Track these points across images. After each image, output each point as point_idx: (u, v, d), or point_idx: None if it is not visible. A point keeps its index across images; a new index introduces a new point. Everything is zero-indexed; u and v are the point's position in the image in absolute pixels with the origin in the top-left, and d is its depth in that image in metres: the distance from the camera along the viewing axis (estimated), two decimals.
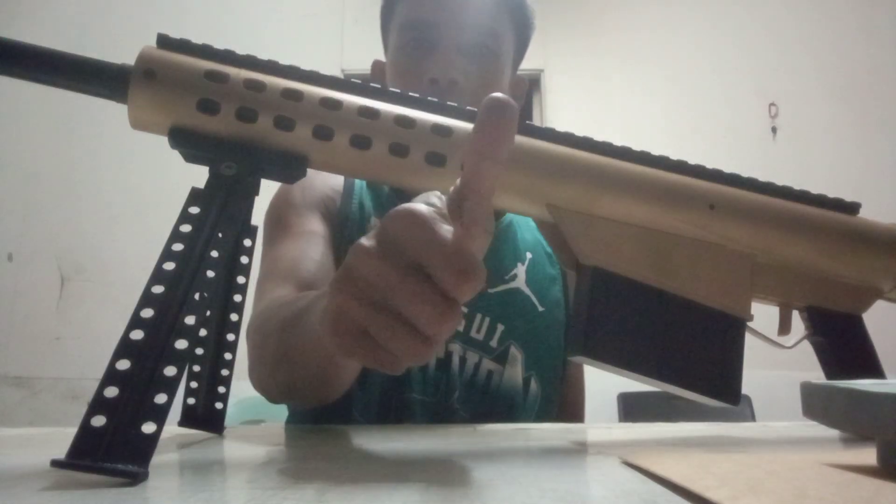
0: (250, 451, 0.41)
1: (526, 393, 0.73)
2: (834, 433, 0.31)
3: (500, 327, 0.72)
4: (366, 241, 0.30)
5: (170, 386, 0.32)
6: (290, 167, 0.38)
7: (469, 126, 0.38)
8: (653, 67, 2.88)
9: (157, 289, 0.36)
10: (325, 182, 0.76)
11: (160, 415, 0.31)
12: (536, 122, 3.00)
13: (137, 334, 0.34)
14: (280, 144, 0.37)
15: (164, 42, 0.38)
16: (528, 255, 0.78)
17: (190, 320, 0.34)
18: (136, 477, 0.28)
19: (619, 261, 0.39)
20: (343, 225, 0.73)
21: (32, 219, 2.84)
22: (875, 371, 0.45)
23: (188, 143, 0.37)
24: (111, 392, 0.32)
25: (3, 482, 0.30)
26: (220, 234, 0.35)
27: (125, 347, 0.34)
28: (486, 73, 0.71)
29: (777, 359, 3.11)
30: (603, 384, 2.95)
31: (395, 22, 0.74)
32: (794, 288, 0.44)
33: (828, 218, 0.44)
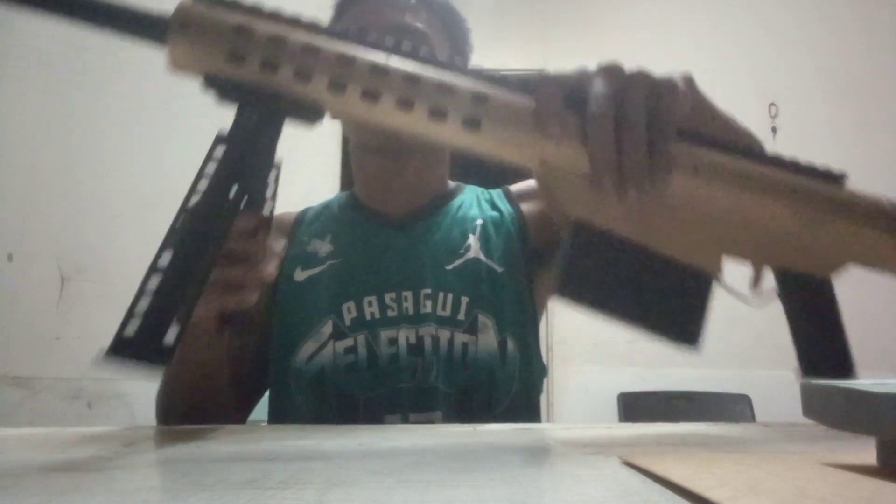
0: (250, 451, 0.41)
1: (503, 355, 0.74)
2: (834, 433, 0.31)
3: (465, 299, 0.74)
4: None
5: (190, 303, 0.39)
6: (307, 114, 0.42)
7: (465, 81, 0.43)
8: (653, 67, 2.87)
9: (184, 221, 0.40)
10: (278, 227, 0.77)
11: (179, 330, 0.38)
12: None
13: (165, 259, 0.38)
14: (298, 94, 0.41)
15: None
16: (478, 223, 0.81)
17: (209, 249, 0.39)
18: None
19: (599, 216, 0.42)
20: (283, 263, 0.78)
21: (32, 219, 2.83)
22: (837, 333, 0.47)
23: (218, 87, 0.41)
24: (143, 305, 0.37)
25: (3, 482, 0.30)
26: (243, 173, 0.40)
27: (154, 269, 0.38)
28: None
29: (777, 359, 3.10)
30: (603, 384, 2.96)
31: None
32: (767, 249, 0.46)
33: (806, 186, 0.46)
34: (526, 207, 0.83)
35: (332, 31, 0.43)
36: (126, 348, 0.36)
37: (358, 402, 0.71)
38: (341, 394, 0.71)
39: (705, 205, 0.44)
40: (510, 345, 0.75)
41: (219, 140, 0.42)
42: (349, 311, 0.73)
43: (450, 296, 0.74)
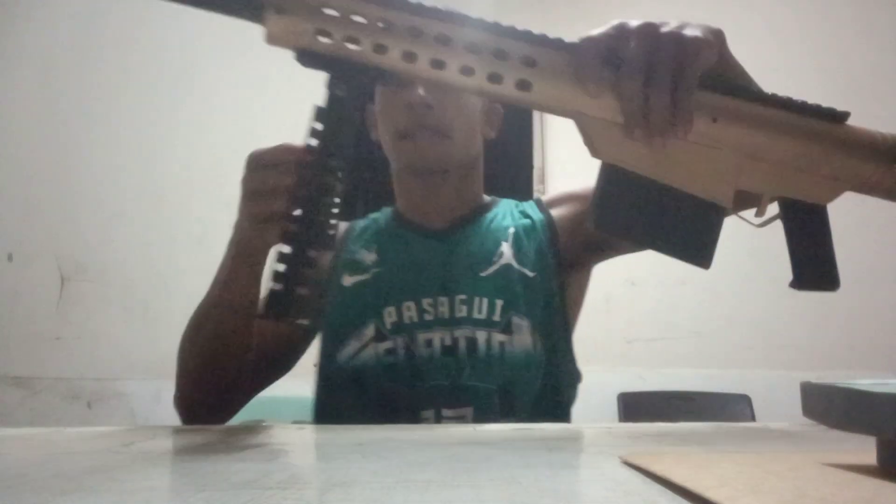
0: (250, 452, 0.41)
1: (536, 352, 0.81)
2: (834, 433, 0.31)
3: (500, 302, 0.80)
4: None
5: (313, 264, 0.48)
6: (385, 82, 0.50)
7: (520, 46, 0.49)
8: None
9: (301, 191, 0.49)
10: None
11: (311, 283, 0.47)
12: (536, 120, 3.00)
13: (293, 227, 0.49)
14: (377, 64, 0.48)
15: None
16: (511, 231, 0.87)
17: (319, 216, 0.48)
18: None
19: (627, 158, 0.49)
20: (333, 269, 0.85)
21: (32, 219, 2.83)
22: (828, 251, 0.53)
23: (311, 61, 0.48)
24: (279, 268, 0.47)
25: (4, 482, 0.30)
26: (340, 143, 0.49)
27: (285, 236, 0.49)
28: (456, 99, 0.82)
29: (777, 359, 3.09)
30: (603, 384, 2.96)
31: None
32: (772, 181, 0.51)
33: (810, 125, 0.52)
34: (556, 213, 0.89)
35: (403, 5, 0.48)
36: (277, 304, 0.46)
37: (397, 399, 0.76)
38: (382, 391, 0.77)
39: (723, 144, 0.50)
40: (539, 345, 0.81)
41: (318, 115, 0.49)
42: (390, 316, 0.80)
43: (485, 300, 0.80)
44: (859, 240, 2.86)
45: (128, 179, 2.83)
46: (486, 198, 0.93)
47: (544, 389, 0.80)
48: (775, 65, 2.96)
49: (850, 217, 3.11)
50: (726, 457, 0.36)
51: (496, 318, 0.79)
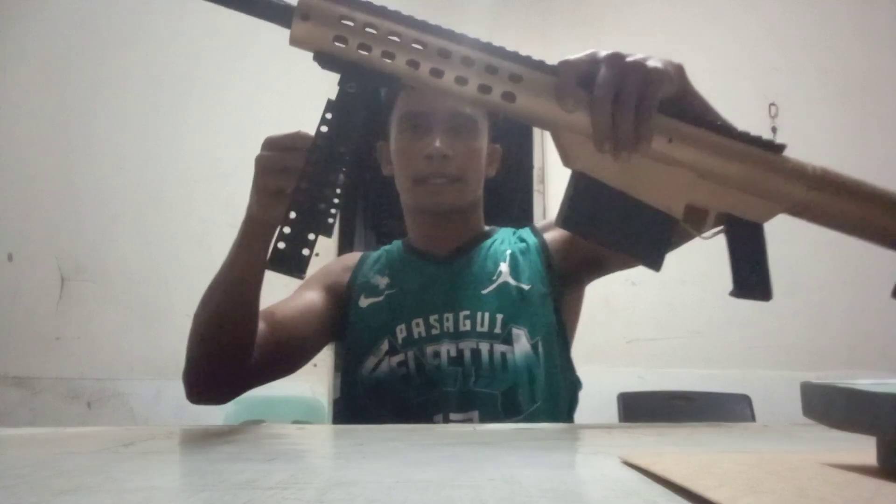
0: (251, 452, 0.41)
1: (537, 355, 0.89)
2: (834, 433, 0.31)
3: (500, 316, 0.88)
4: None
5: (316, 230, 0.55)
6: (391, 85, 0.56)
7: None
8: None
9: (309, 170, 0.55)
10: (342, 264, 0.99)
11: (311, 244, 0.54)
12: None
13: (296, 206, 0.55)
14: (386, 68, 0.54)
15: None
16: (508, 252, 0.96)
17: (325, 191, 0.55)
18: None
19: (595, 168, 0.56)
20: (350, 291, 0.94)
21: (32, 219, 2.83)
22: (763, 264, 0.60)
23: (327, 62, 0.54)
24: (286, 230, 0.54)
25: (4, 482, 0.30)
26: (346, 133, 0.55)
27: (293, 205, 0.55)
28: (468, 147, 0.91)
29: (777, 359, 3.09)
30: (603, 384, 2.95)
31: (395, 114, 0.93)
32: (718, 199, 0.58)
33: (751, 152, 0.58)
34: (549, 236, 0.98)
35: (411, 22, 0.54)
36: (280, 260, 0.53)
37: (411, 405, 0.84)
38: (398, 399, 0.85)
39: (676, 162, 0.57)
40: (538, 351, 0.89)
41: (329, 107, 0.55)
42: (401, 332, 0.88)
43: (486, 314, 0.89)
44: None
45: (128, 180, 2.83)
46: (487, 227, 1.03)
47: (545, 394, 0.87)
48: (775, 65, 2.96)
49: None
50: (726, 457, 0.36)
51: (497, 330, 0.88)
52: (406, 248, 1.00)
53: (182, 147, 2.85)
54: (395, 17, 0.54)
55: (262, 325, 0.80)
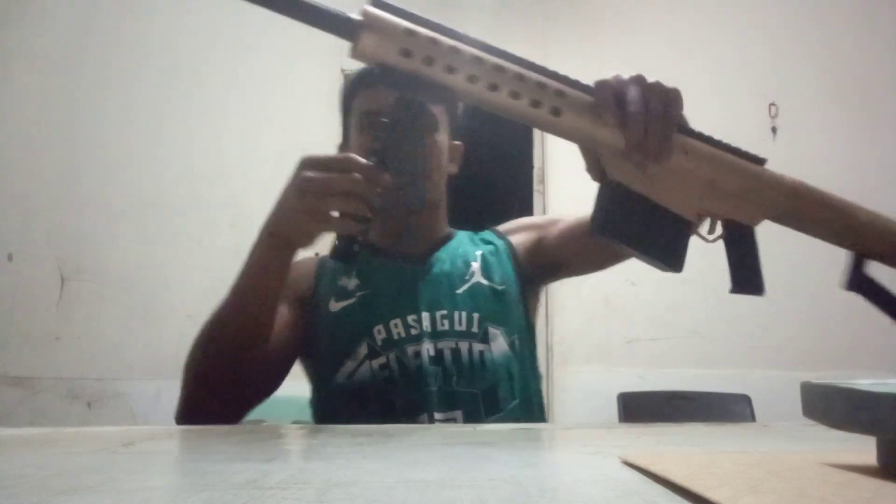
0: (250, 451, 0.41)
1: (514, 354, 0.91)
2: (834, 433, 0.31)
3: (476, 315, 0.90)
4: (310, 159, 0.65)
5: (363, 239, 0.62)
6: (448, 99, 0.58)
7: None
8: (653, 67, 2.87)
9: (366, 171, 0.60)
10: (298, 272, 0.92)
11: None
12: None
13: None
14: (447, 82, 0.55)
15: (378, 4, 0.54)
16: (479, 253, 0.97)
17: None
18: None
19: (625, 179, 0.60)
20: (316, 298, 0.91)
21: (32, 219, 2.83)
22: (755, 264, 0.66)
23: (391, 74, 0.55)
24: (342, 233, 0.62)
25: (4, 482, 0.30)
26: (404, 138, 0.58)
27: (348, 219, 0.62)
28: (428, 143, 0.91)
29: (777, 359, 3.09)
30: (603, 384, 2.95)
31: (354, 112, 0.94)
32: (721, 205, 0.64)
33: (743, 164, 0.64)
34: (515, 239, 1.01)
35: (471, 41, 0.57)
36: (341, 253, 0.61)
37: (395, 407, 0.84)
38: (382, 401, 0.84)
39: (690, 174, 0.63)
40: (514, 349, 0.90)
41: (387, 114, 0.58)
42: (380, 333, 0.87)
43: (463, 313, 0.89)
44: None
45: (128, 180, 2.83)
46: (447, 228, 1.04)
47: (522, 392, 0.89)
48: (775, 65, 2.96)
49: None
50: (726, 457, 0.36)
51: (475, 329, 0.89)
52: (374, 251, 0.97)
53: (182, 147, 2.85)
54: (454, 34, 0.57)
55: None
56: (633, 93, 0.60)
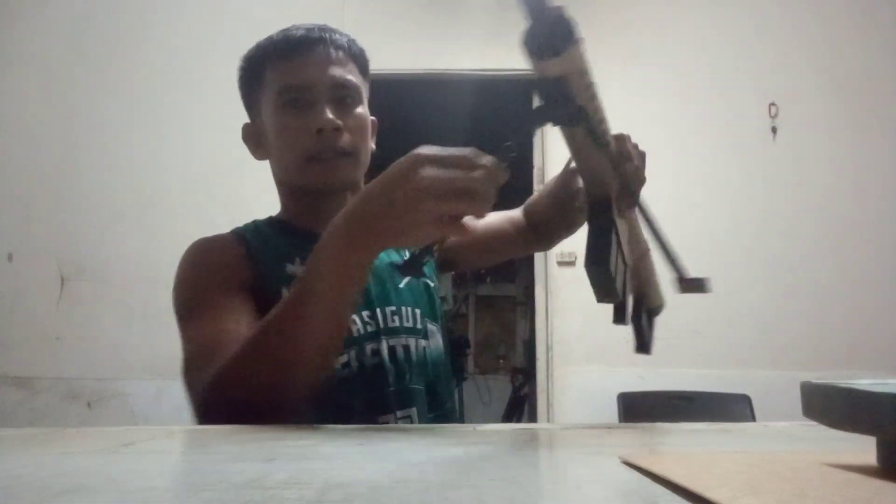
0: (250, 451, 0.41)
1: (445, 350, 0.91)
2: (834, 433, 0.31)
3: (418, 311, 0.88)
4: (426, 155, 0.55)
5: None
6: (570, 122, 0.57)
7: None
8: (653, 67, 2.88)
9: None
10: (231, 255, 0.84)
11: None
12: None
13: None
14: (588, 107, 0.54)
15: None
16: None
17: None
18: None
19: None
20: (264, 283, 0.81)
21: (32, 219, 2.84)
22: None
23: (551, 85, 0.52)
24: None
25: (4, 482, 0.30)
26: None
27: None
28: (357, 116, 0.86)
29: (777, 359, 3.09)
30: (603, 384, 2.95)
31: (269, 87, 0.86)
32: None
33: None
34: None
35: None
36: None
37: (353, 409, 0.79)
38: (340, 403, 0.78)
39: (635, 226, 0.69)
40: (444, 345, 0.91)
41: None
42: None
43: (409, 309, 0.87)
44: (859, 241, 2.86)
45: (128, 180, 2.84)
46: None
47: (452, 390, 0.91)
48: (775, 65, 2.96)
49: (850, 219, 3.13)
50: (726, 457, 0.36)
51: (419, 325, 0.87)
52: (293, 231, 0.88)
53: (182, 147, 2.85)
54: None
55: None
56: (634, 148, 0.69)
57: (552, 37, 0.49)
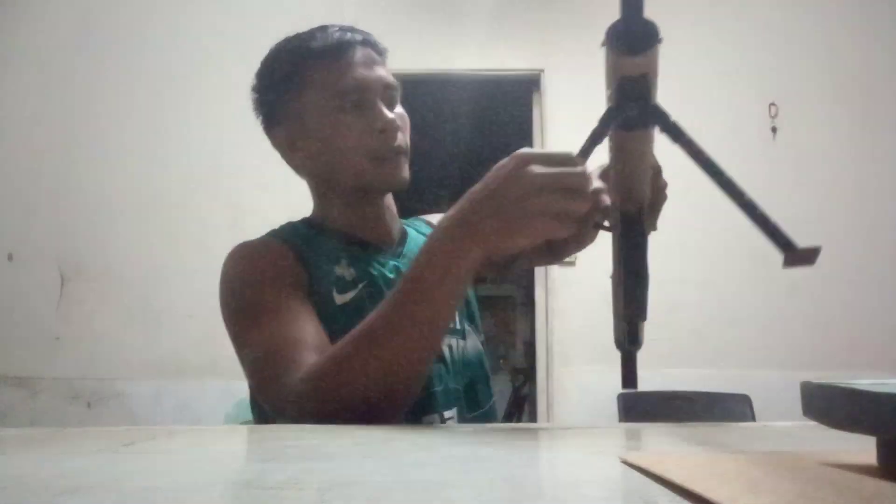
0: (250, 451, 0.41)
1: (484, 350, 0.92)
2: (834, 433, 0.31)
3: (455, 312, 0.85)
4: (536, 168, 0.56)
5: None
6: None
7: None
8: None
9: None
10: (284, 260, 0.82)
11: None
12: (536, 122, 2.99)
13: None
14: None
15: None
16: None
17: None
18: None
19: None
20: (317, 286, 0.81)
21: (32, 219, 2.84)
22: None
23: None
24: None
25: (4, 482, 0.30)
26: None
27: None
28: (402, 115, 0.86)
29: (777, 359, 3.08)
30: (603, 384, 2.95)
31: (317, 88, 0.84)
32: None
33: None
34: None
35: None
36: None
37: (420, 401, 0.79)
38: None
39: None
40: (484, 344, 0.92)
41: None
42: None
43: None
44: (859, 241, 2.86)
45: (128, 180, 2.84)
46: None
47: (491, 391, 0.91)
48: (775, 65, 2.96)
49: (850, 218, 3.13)
50: (726, 457, 0.36)
51: (458, 326, 0.88)
52: (335, 235, 0.88)
53: (182, 147, 2.85)
54: None
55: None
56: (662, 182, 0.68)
57: (641, 35, 0.48)
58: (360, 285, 0.82)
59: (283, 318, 0.74)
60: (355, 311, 0.79)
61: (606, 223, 0.66)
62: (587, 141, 0.54)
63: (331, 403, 0.62)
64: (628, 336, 0.62)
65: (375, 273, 0.84)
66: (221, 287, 0.81)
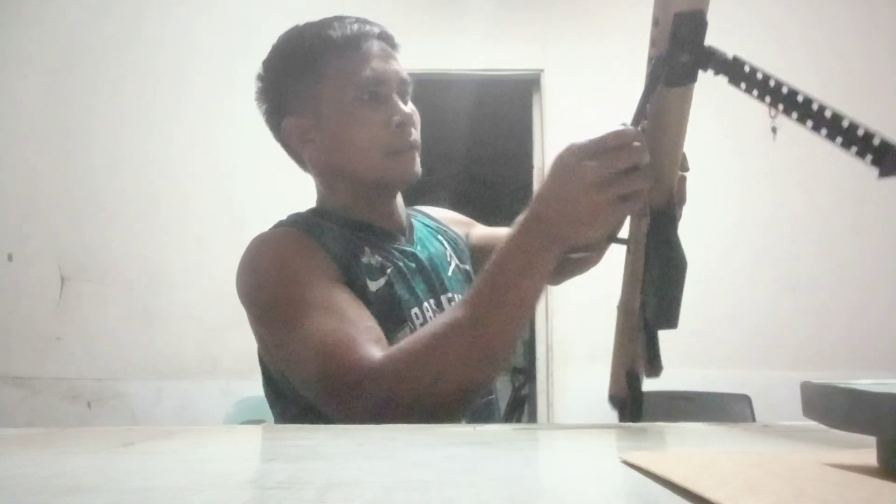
0: (250, 451, 0.41)
1: None
2: (834, 433, 0.31)
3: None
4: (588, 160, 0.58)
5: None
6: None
7: None
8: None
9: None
10: (314, 249, 0.80)
11: None
12: (536, 122, 2.99)
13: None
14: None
15: None
16: (448, 234, 0.96)
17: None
18: None
19: None
20: (350, 275, 0.79)
21: (32, 219, 2.83)
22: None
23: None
24: None
25: (4, 482, 0.30)
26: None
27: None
28: (415, 112, 0.86)
29: (777, 359, 3.08)
30: (603, 384, 2.93)
31: (336, 80, 0.82)
32: None
33: None
34: (462, 231, 1.01)
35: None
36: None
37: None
38: None
39: None
40: None
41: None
42: (417, 317, 0.80)
43: (458, 296, 0.86)
44: (859, 241, 2.86)
45: (128, 180, 2.83)
46: None
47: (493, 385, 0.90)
48: (775, 65, 2.96)
49: (850, 218, 3.13)
50: (726, 457, 0.36)
51: None
52: (351, 223, 0.86)
53: (182, 147, 2.85)
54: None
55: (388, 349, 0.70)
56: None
57: None
58: (388, 271, 0.81)
59: (335, 309, 0.72)
60: (388, 296, 0.79)
61: (621, 236, 0.65)
62: (638, 105, 0.56)
63: (411, 394, 0.63)
64: (648, 359, 0.61)
65: (400, 261, 0.84)
66: (248, 282, 0.79)
